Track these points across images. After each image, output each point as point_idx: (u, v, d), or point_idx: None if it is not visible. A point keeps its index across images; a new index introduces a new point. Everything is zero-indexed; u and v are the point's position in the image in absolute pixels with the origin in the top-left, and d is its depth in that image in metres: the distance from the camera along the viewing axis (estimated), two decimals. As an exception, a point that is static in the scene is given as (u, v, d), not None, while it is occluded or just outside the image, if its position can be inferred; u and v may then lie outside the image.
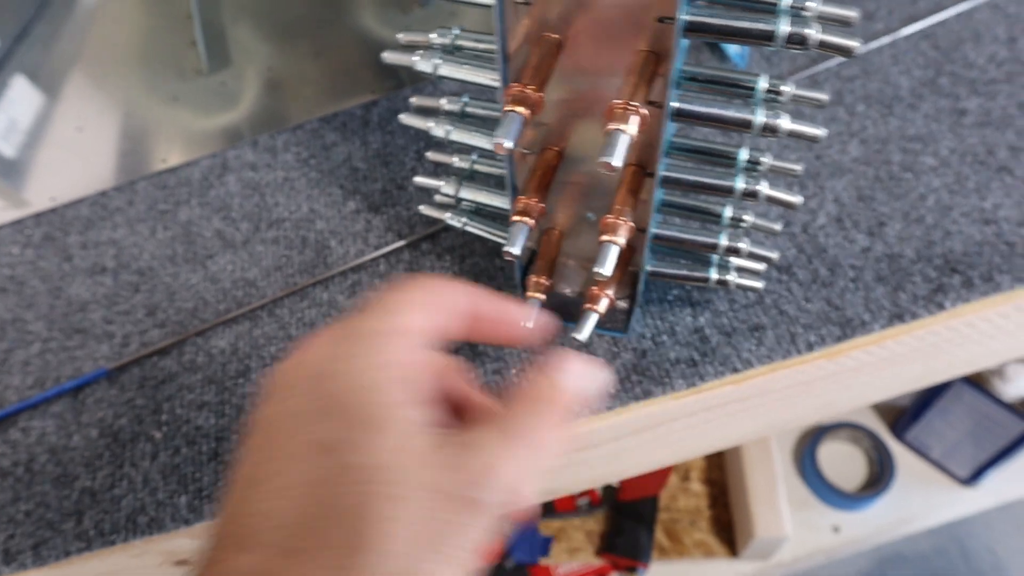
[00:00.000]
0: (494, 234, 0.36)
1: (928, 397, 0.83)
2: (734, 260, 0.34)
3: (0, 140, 0.54)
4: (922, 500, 0.88)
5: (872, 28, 0.50)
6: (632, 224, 0.29)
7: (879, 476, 0.88)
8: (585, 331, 0.32)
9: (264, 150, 0.48)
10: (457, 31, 0.30)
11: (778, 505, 0.77)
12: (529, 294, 0.34)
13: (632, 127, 0.24)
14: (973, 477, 0.87)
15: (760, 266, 0.34)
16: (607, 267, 0.28)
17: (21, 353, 0.41)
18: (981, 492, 0.90)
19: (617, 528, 0.82)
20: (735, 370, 0.36)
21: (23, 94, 0.56)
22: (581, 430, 0.37)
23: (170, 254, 0.44)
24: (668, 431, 0.40)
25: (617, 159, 0.23)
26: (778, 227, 0.32)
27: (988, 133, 0.44)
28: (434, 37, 0.30)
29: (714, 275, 0.34)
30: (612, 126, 0.24)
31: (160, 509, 0.35)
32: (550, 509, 0.86)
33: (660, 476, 0.85)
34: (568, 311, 0.36)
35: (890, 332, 0.38)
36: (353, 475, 0.18)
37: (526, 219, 0.29)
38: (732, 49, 0.49)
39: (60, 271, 0.44)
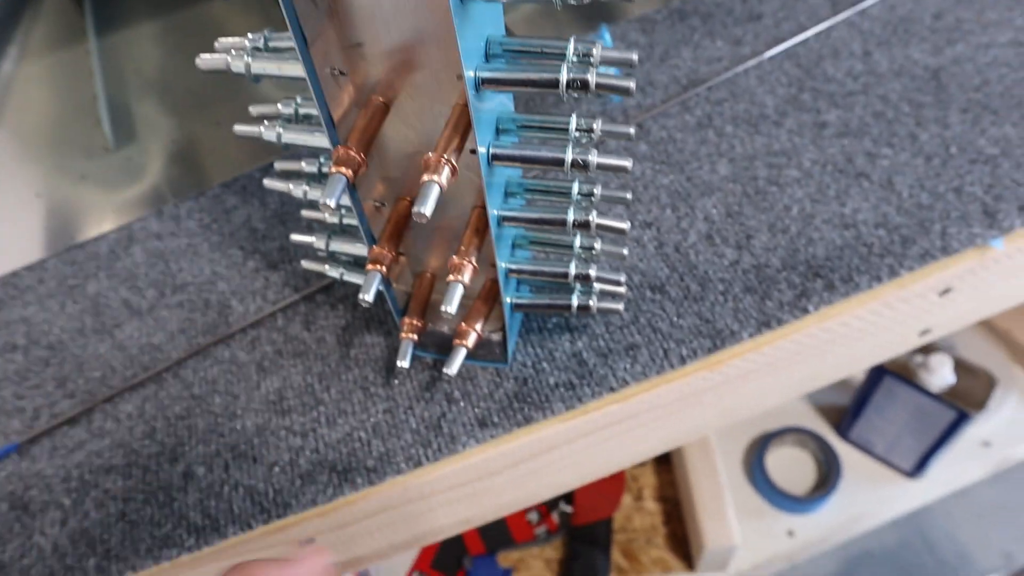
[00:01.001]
0: (370, 281, 0.38)
1: (864, 395, 0.86)
2: (596, 286, 0.37)
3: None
4: (871, 496, 0.90)
5: (740, 52, 0.53)
6: (474, 263, 0.31)
7: (827, 477, 0.90)
8: (453, 366, 0.34)
9: (169, 218, 0.50)
10: (299, 99, 0.32)
11: (725, 515, 0.78)
12: (402, 335, 0.36)
13: (443, 178, 0.26)
14: (917, 468, 0.89)
15: (620, 289, 0.37)
16: (452, 305, 0.30)
17: (-67, 436, 0.42)
18: (928, 482, 0.92)
19: (573, 554, 0.83)
20: (611, 389, 0.38)
21: (-61, 183, 0.58)
22: (473, 460, 0.38)
23: (79, 327, 0.45)
24: (569, 452, 0.42)
25: (427, 209, 0.25)
26: (624, 251, 0.35)
27: (847, 142, 0.47)
28: (280, 107, 0.32)
29: (575, 301, 0.36)
30: (425, 178, 0.26)
31: (68, 574, 0.36)
32: (508, 540, 0.87)
33: (612, 498, 0.87)
34: (448, 347, 0.37)
35: (763, 339, 0.40)
36: None
37: (378, 267, 0.31)
38: (607, 85, 0.52)
39: (-28, 353, 0.45)
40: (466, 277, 0.30)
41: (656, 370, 0.39)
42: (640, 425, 0.42)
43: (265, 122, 0.32)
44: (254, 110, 0.33)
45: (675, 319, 0.40)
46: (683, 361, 0.39)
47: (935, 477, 0.92)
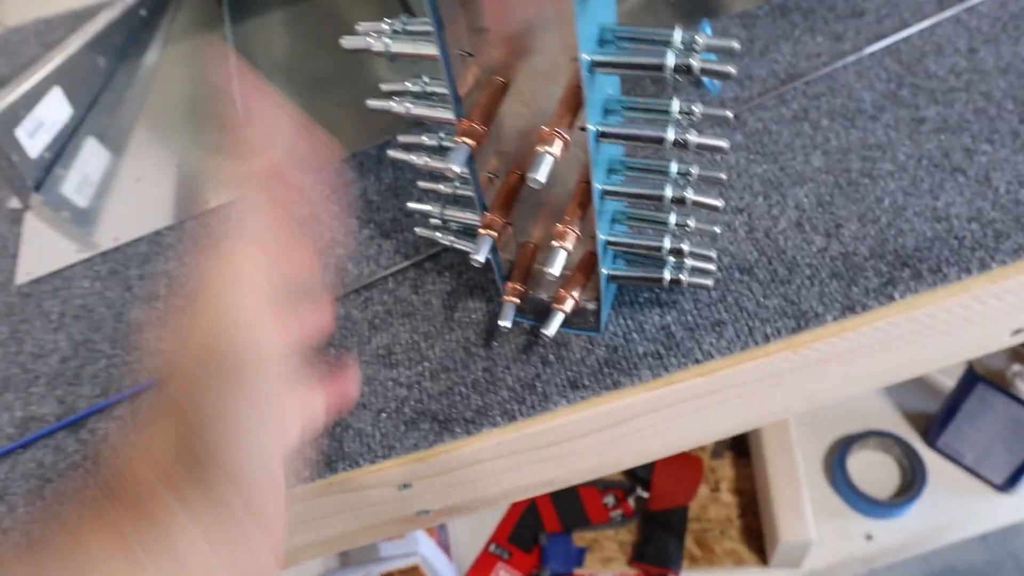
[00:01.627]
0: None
1: (955, 403, 0.84)
2: (688, 261, 0.39)
3: (75, 193, 0.63)
4: (957, 507, 0.88)
5: (840, 48, 0.54)
6: (577, 232, 0.34)
7: (911, 483, 0.88)
8: (552, 328, 0.37)
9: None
10: (427, 79, 0.35)
11: (802, 510, 0.79)
12: (505, 298, 0.39)
13: (556, 149, 0.29)
14: (1009, 483, 0.87)
15: (711, 266, 0.39)
16: (556, 267, 0.33)
17: (90, 368, 0.48)
18: (1021, 499, 0.89)
19: (647, 537, 0.85)
20: (696, 361, 0.40)
21: (93, 153, 0.65)
22: (563, 421, 0.41)
23: (213, 281, 0.50)
24: (653, 421, 0.44)
25: (542, 175, 0.28)
26: (717, 229, 0.37)
27: (944, 138, 0.48)
28: (408, 85, 0.36)
29: (667, 275, 0.38)
30: (539, 148, 0.29)
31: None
32: (584, 520, 0.89)
33: (689, 487, 0.88)
34: (546, 314, 0.40)
35: (847, 324, 0.42)
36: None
37: (490, 232, 0.35)
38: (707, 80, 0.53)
39: (122, 299, 0.51)
40: (569, 244, 0.33)
41: (740, 346, 0.41)
42: (723, 401, 0.44)
43: (395, 97, 0.35)
44: (385, 87, 0.36)
45: (761, 299, 0.42)
46: (767, 339, 0.41)
47: (1028, 493, 0.89)
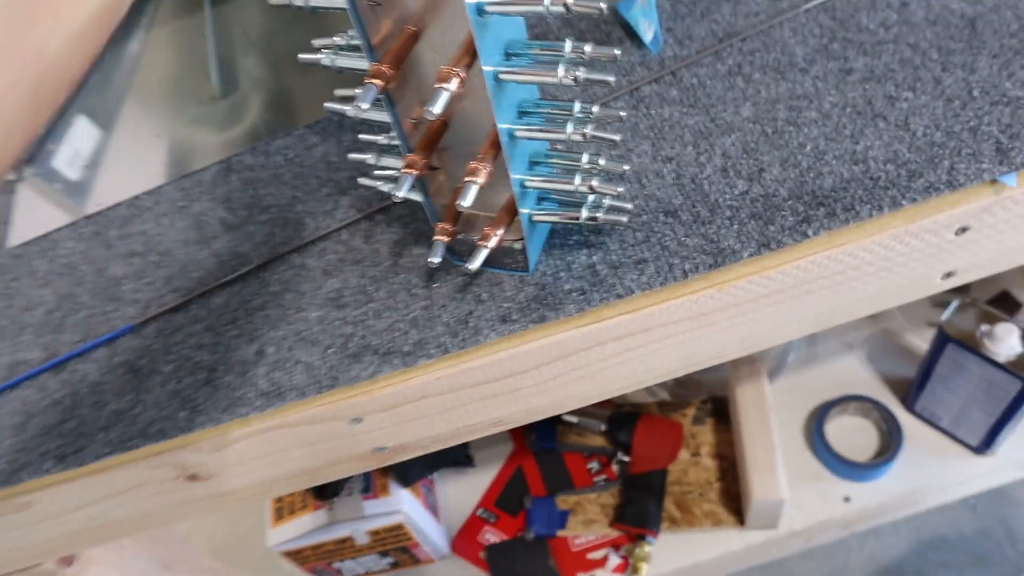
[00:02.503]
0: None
1: (928, 365, 0.86)
2: (606, 201, 0.42)
3: (67, 167, 0.67)
4: (935, 469, 0.90)
5: (778, 7, 0.56)
6: (489, 168, 0.36)
7: (888, 446, 0.90)
8: (476, 262, 0.40)
9: (260, 153, 0.58)
10: (351, 33, 0.39)
11: (775, 469, 0.81)
12: (434, 237, 0.42)
13: (452, 85, 0.32)
14: (985, 444, 0.88)
15: (626, 204, 0.41)
16: (468, 200, 0.36)
17: (72, 318, 0.52)
18: (1000, 461, 0.90)
19: (628, 499, 0.88)
20: (618, 296, 0.43)
21: (83, 130, 0.69)
22: (497, 357, 0.44)
23: (184, 238, 0.54)
24: (587, 360, 0.47)
25: (438, 108, 0.31)
26: (625, 167, 0.39)
27: (869, 87, 0.50)
28: (336, 39, 0.39)
29: (584, 213, 0.41)
30: (436, 85, 0.32)
31: (166, 422, 0.44)
32: (568, 485, 0.92)
33: (669, 450, 0.90)
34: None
35: (767, 262, 0.44)
36: None
37: (410, 170, 0.38)
38: (646, 37, 0.56)
39: (103, 257, 0.55)
40: (479, 179, 0.36)
41: (660, 281, 0.43)
42: (654, 341, 0.47)
43: (323, 51, 0.38)
44: (316, 42, 0.40)
45: (683, 239, 0.44)
46: (685, 275, 0.43)
47: (1008, 456, 0.90)
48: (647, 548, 0.85)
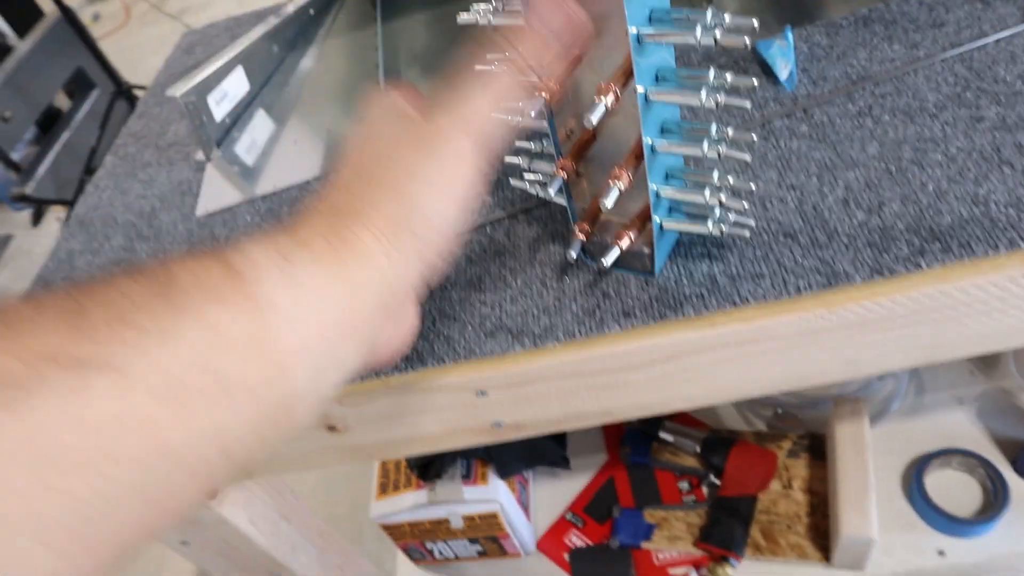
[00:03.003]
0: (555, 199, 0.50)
1: (1043, 426, 0.84)
2: (730, 216, 0.46)
3: (245, 153, 0.76)
4: (1040, 534, 0.87)
5: (914, 55, 0.59)
6: (630, 175, 0.41)
7: (991, 505, 0.88)
8: (609, 258, 0.45)
9: (417, 154, 0.65)
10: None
11: (867, 508, 0.81)
12: (574, 235, 0.47)
13: (608, 100, 0.37)
14: (1099, 516, 0.85)
15: (748, 220, 0.45)
16: (610, 200, 0.41)
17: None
18: (1114, 536, 0.86)
19: (714, 521, 0.90)
20: (734, 303, 0.47)
21: (262, 122, 0.79)
22: (617, 349, 0.49)
23: (346, 221, 0.62)
24: (699, 363, 0.51)
25: (595, 117, 0.37)
26: (752, 185, 0.44)
27: (999, 135, 0.52)
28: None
29: (710, 225, 0.45)
30: (595, 98, 0.37)
31: (321, 374, 0.51)
32: (657, 499, 0.95)
33: (762, 478, 0.92)
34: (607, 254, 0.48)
35: (878, 288, 0.47)
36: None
37: (561, 172, 0.43)
38: (782, 75, 0.60)
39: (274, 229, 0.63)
40: (622, 183, 0.41)
41: (775, 295, 0.47)
42: (762, 352, 0.50)
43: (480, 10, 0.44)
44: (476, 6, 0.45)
45: (799, 259, 0.48)
46: (799, 291, 0.47)
47: (1122, 531, 0.86)
48: (729, 571, 0.87)
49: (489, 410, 0.54)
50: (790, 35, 0.62)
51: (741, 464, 0.92)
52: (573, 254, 0.47)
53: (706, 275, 0.49)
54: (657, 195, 0.45)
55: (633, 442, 0.99)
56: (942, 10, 0.62)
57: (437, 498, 0.86)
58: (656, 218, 0.46)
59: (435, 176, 0.34)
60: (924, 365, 0.54)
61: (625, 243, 0.45)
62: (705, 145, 0.41)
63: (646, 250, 0.48)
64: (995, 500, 0.88)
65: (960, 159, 0.51)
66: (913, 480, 0.90)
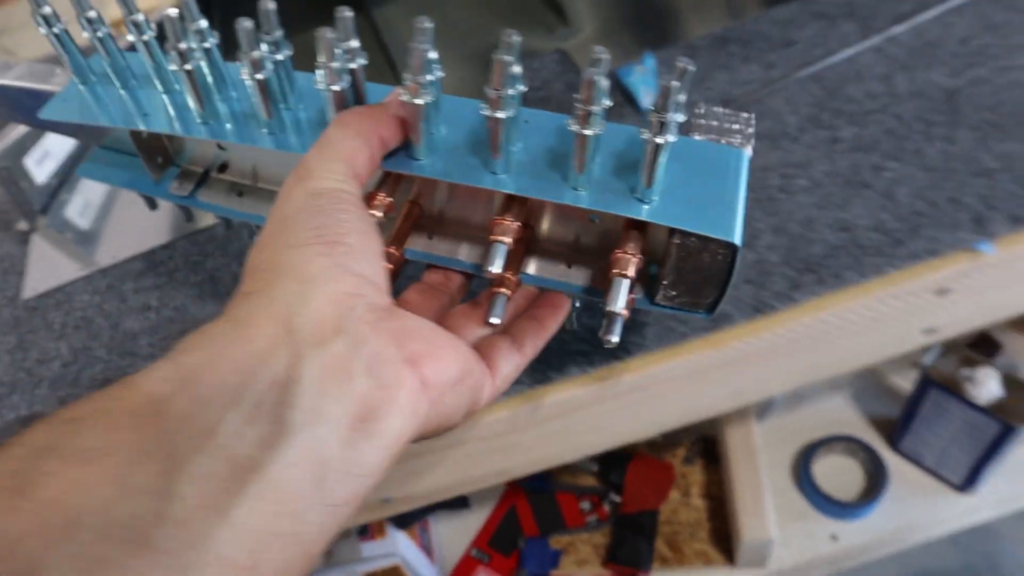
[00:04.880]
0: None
1: (912, 407, 0.88)
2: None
3: (78, 217, 0.68)
4: (920, 508, 0.92)
5: (770, 76, 0.60)
6: None
7: (874, 485, 0.92)
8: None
9: (272, 209, 0.60)
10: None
11: (763, 510, 0.83)
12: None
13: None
14: (968, 482, 0.90)
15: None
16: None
17: (88, 371, 0.53)
18: (983, 499, 0.92)
19: (619, 540, 0.89)
20: (618, 358, 0.45)
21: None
22: (498, 416, 0.46)
23: (198, 293, 0.56)
24: (590, 416, 0.49)
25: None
26: None
27: (858, 156, 0.53)
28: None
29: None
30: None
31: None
32: (561, 525, 0.94)
33: (660, 491, 0.92)
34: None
35: (759, 324, 0.46)
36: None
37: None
38: (645, 102, 0.59)
39: (118, 311, 0.57)
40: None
41: (659, 345, 0.45)
42: (654, 397, 0.49)
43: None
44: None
45: (682, 303, 0.47)
46: (683, 337, 0.45)
47: (990, 494, 0.92)
48: (640, 587, 0.87)
49: (377, 489, 0.50)
50: (651, 61, 0.61)
51: (639, 479, 0.92)
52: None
53: (587, 328, 0.47)
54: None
55: (533, 467, 0.97)
56: (793, 28, 0.63)
57: (335, 560, 0.81)
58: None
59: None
60: (803, 384, 0.55)
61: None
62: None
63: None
64: (877, 480, 0.92)
65: (825, 183, 0.51)
66: (802, 471, 0.94)
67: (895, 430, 0.94)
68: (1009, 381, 0.83)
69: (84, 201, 0.69)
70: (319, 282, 0.26)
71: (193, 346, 0.25)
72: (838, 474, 0.94)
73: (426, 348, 0.28)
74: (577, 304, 0.40)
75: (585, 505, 0.95)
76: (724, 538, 0.90)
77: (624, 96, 0.61)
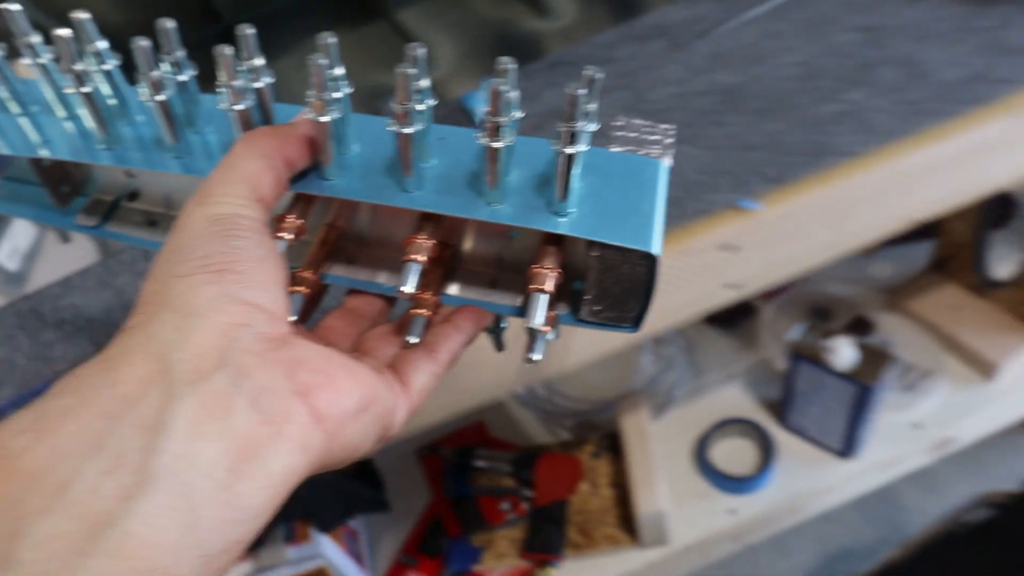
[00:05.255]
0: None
1: (789, 383, 0.98)
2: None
3: (7, 260, 0.76)
4: (807, 476, 1.00)
5: (591, 89, 0.71)
6: None
7: (765, 461, 1.00)
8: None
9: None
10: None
11: (653, 484, 0.91)
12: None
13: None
14: (848, 448, 0.99)
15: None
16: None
17: (10, 377, 0.61)
18: (863, 464, 1.01)
19: (534, 530, 0.96)
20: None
21: (22, 226, 0.79)
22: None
23: (107, 307, 0.64)
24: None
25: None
26: None
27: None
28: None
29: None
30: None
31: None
32: (483, 524, 1.00)
33: (570, 483, 1.00)
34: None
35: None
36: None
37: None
38: (479, 112, 0.69)
39: (37, 326, 0.65)
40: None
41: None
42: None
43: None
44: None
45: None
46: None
47: (870, 458, 1.01)
48: (553, 573, 0.93)
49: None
50: (484, 88, 0.72)
51: (550, 474, 1.00)
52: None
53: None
54: None
55: (453, 474, 1.04)
56: (615, 49, 0.75)
57: (262, 564, 0.86)
58: None
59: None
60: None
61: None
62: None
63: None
64: (767, 455, 1.01)
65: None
66: (698, 453, 1.02)
67: (783, 408, 1.03)
68: (863, 347, 0.92)
69: (12, 247, 0.77)
70: (202, 313, 0.25)
71: (61, 390, 0.23)
72: (733, 454, 1.03)
73: (319, 378, 0.26)
74: (503, 324, 0.38)
75: (505, 505, 1.02)
76: (630, 522, 0.97)
77: (471, 122, 0.71)
